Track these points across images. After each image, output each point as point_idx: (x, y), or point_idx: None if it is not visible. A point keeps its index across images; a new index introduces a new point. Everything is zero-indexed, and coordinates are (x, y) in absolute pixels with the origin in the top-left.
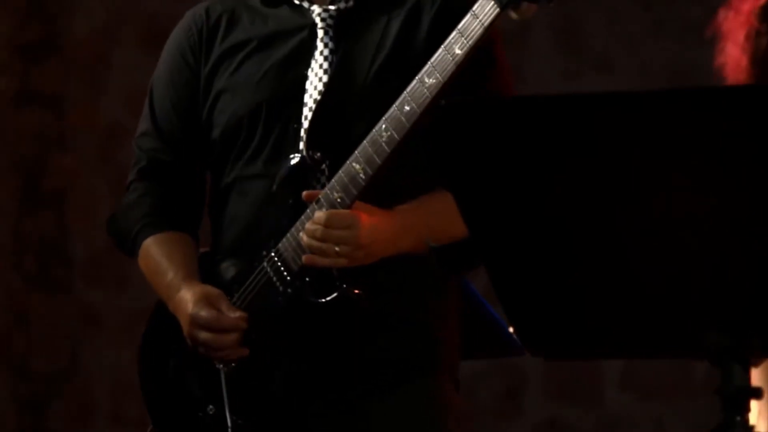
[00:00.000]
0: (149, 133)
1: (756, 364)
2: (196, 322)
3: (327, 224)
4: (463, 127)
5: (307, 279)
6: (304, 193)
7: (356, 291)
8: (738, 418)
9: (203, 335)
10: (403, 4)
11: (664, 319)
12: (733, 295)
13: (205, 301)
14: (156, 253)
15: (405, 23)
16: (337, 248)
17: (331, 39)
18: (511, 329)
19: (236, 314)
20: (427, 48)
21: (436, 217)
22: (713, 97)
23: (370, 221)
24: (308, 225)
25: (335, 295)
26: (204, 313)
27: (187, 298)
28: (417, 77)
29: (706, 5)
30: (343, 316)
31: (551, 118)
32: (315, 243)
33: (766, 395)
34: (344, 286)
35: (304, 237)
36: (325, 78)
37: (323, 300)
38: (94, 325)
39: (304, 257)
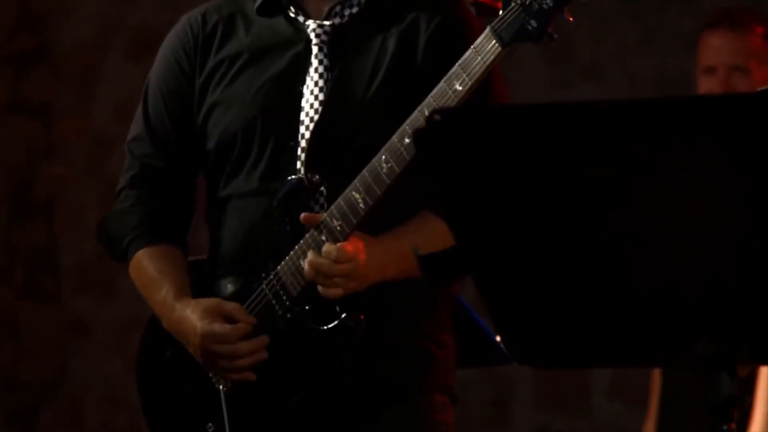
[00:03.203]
0: (142, 137)
1: (743, 374)
2: (210, 337)
3: (335, 260)
4: (452, 136)
5: (307, 306)
6: (303, 215)
7: (357, 318)
8: (725, 427)
9: (222, 348)
10: (398, 22)
11: (652, 328)
12: (722, 304)
13: (212, 315)
14: (148, 266)
15: (401, 42)
16: (335, 279)
17: (326, 56)
18: (498, 338)
19: (247, 318)
20: (424, 66)
21: (428, 239)
22: (704, 105)
23: (365, 253)
24: (314, 257)
25: (336, 323)
26: (217, 327)
27: (191, 317)
28: (417, 109)
29: (695, 15)
30: (341, 340)
31: (540, 127)
32: (313, 273)
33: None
34: (344, 315)
35: (306, 266)
36: (321, 96)
37: (324, 327)
38: (82, 334)
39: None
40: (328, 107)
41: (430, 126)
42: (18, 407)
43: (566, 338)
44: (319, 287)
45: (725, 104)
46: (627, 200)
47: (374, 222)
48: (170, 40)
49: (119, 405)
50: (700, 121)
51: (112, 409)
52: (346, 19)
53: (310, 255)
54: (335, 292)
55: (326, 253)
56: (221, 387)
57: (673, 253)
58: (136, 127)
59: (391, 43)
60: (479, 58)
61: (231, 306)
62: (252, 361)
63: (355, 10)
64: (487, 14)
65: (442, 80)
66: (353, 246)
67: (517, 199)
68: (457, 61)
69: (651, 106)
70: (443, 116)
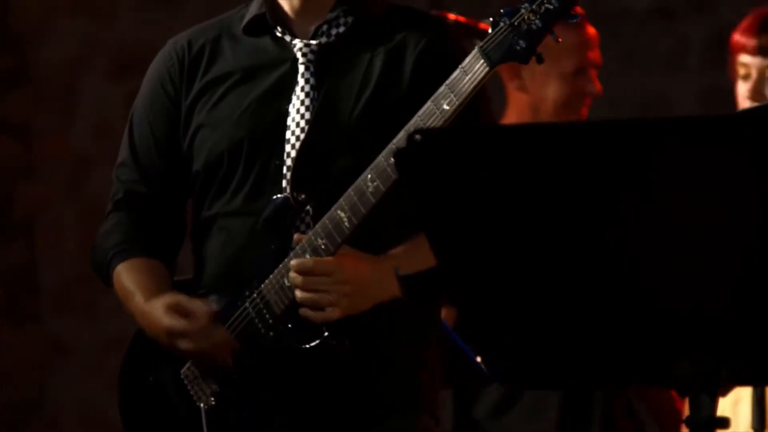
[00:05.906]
0: (127, 164)
1: (723, 394)
2: (173, 334)
3: (309, 272)
4: (433, 156)
5: (290, 324)
6: (296, 236)
7: (341, 337)
8: None
9: (185, 345)
10: (385, 41)
11: (633, 348)
12: (703, 326)
13: (174, 309)
14: (125, 279)
15: (388, 61)
16: (328, 296)
17: (312, 75)
18: (478, 358)
19: (203, 307)
20: (411, 88)
21: (422, 262)
22: (683, 127)
23: (355, 268)
24: (291, 275)
25: (318, 342)
26: (177, 322)
27: (158, 314)
28: (404, 129)
29: (674, 36)
30: (324, 359)
31: (521, 148)
32: (306, 295)
33: None
34: (326, 333)
35: (298, 293)
36: (307, 115)
37: (305, 346)
38: (62, 355)
39: (301, 311)
40: (314, 126)
41: (411, 146)
42: None
43: (547, 358)
44: (310, 313)
45: (715, 124)
46: (608, 221)
47: (360, 241)
48: (155, 66)
49: (99, 426)
50: (686, 141)
51: (91, 430)
52: (332, 38)
53: (291, 272)
54: (333, 313)
55: (300, 265)
56: (202, 405)
57: (654, 273)
58: (122, 153)
59: (378, 63)
60: (467, 77)
61: (179, 301)
62: (222, 349)
63: (342, 29)
64: (472, 35)
65: (430, 100)
66: (334, 261)
67: (497, 218)
68: (444, 81)
69: (635, 127)
70: (424, 136)
